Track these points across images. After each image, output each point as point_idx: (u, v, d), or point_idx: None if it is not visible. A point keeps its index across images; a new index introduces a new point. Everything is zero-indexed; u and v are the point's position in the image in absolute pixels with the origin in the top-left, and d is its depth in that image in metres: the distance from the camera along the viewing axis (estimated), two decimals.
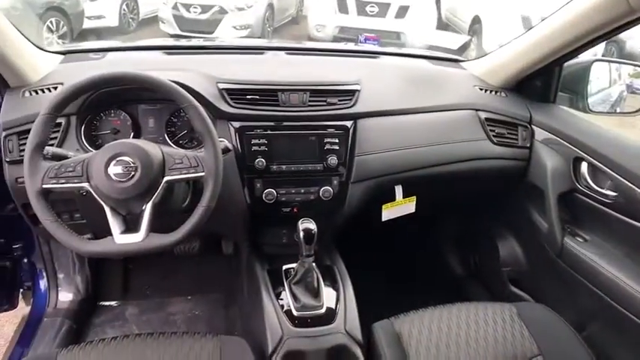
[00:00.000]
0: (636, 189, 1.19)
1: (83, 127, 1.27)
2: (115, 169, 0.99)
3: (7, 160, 1.20)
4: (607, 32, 1.19)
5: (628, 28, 1.15)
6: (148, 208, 1.02)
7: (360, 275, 1.41)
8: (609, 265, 1.27)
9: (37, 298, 1.63)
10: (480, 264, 1.91)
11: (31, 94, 1.27)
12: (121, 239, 1.01)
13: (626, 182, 1.22)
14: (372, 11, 6.43)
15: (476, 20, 6.95)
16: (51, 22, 5.65)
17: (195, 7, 6.72)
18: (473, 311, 1.26)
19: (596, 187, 1.33)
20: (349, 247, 1.51)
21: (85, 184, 1.00)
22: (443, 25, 8.14)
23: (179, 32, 6.68)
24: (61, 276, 1.64)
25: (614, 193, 1.27)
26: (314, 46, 2.02)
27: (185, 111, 1.08)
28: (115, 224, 1.02)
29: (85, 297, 1.69)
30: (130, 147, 1.02)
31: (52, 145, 1.17)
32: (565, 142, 1.41)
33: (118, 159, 1.00)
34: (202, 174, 1.04)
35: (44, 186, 0.99)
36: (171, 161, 1.04)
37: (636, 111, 1.50)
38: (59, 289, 1.65)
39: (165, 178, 1.03)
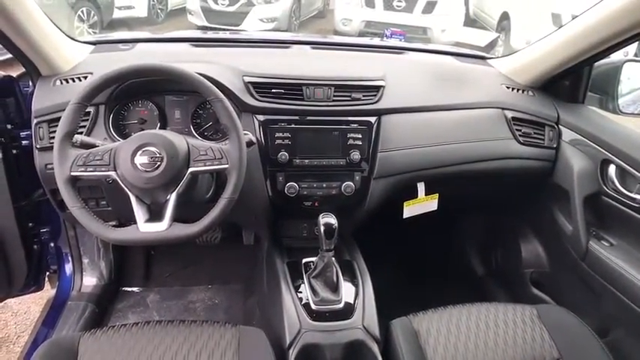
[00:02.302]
0: None
1: (111, 117, 1.29)
2: (141, 159, 1.01)
3: (38, 146, 1.23)
4: (638, 33, 1.16)
5: None
6: (172, 198, 1.04)
7: (380, 271, 1.41)
8: (636, 271, 1.24)
9: (63, 281, 1.68)
10: (502, 264, 1.89)
11: (61, 83, 1.30)
12: (144, 228, 1.03)
13: None
14: (399, 6, 6.37)
15: (504, 17, 6.83)
16: (82, 11, 5.77)
17: (222, 4, 6.76)
18: (492, 312, 1.25)
19: (625, 190, 1.30)
20: (370, 243, 1.51)
21: (112, 173, 1.03)
22: (470, 21, 8.02)
23: (206, 24, 6.74)
24: (85, 261, 1.69)
25: None
26: (339, 41, 2.01)
27: (211, 104, 1.09)
28: (139, 213, 1.04)
29: (109, 282, 1.74)
30: (157, 137, 1.04)
31: (80, 133, 1.20)
32: (593, 144, 1.38)
33: (144, 149, 1.02)
34: (226, 166, 1.06)
35: (72, 173, 1.01)
36: (196, 153, 1.06)
37: None
38: (84, 273, 1.70)
39: (190, 169, 1.05)
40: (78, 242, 1.66)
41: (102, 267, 1.72)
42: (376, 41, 2.24)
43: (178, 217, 1.05)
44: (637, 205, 1.26)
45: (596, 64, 1.47)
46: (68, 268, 1.69)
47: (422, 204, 1.49)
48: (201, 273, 1.88)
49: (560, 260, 1.56)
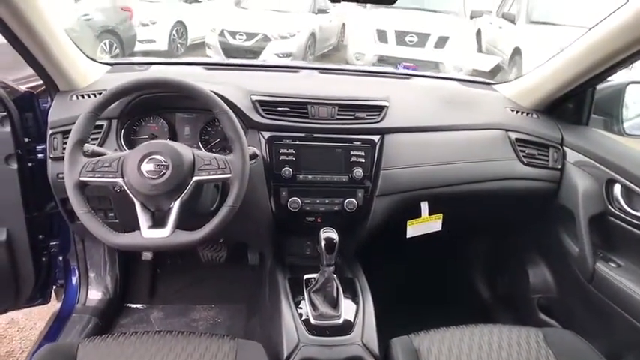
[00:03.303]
0: None
1: (123, 131, 1.34)
2: (147, 167, 1.05)
3: (51, 156, 1.28)
4: (637, 52, 1.18)
5: None
6: (175, 205, 1.06)
7: (382, 291, 1.40)
8: None
9: (69, 294, 1.69)
10: (509, 289, 1.86)
11: (78, 98, 1.36)
12: (148, 234, 1.05)
13: None
14: (412, 41, 6.49)
15: (516, 52, 6.90)
16: (105, 43, 6.02)
17: (240, 35, 6.98)
18: (496, 333, 1.22)
19: (631, 210, 1.29)
20: (373, 262, 1.51)
21: (119, 180, 1.06)
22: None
23: (224, 59, 6.95)
24: (92, 274, 1.71)
25: None
26: (347, 67, 2.07)
27: (217, 117, 1.13)
28: (143, 219, 1.06)
29: (113, 297, 1.75)
30: (163, 147, 1.08)
31: (93, 144, 1.24)
32: (597, 164, 1.38)
33: (150, 157, 1.06)
34: (229, 176, 1.08)
35: (81, 179, 1.05)
36: (201, 162, 1.09)
37: None
38: (89, 286, 1.72)
39: (194, 178, 1.08)
40: (85, 255, 1.69)
41: (107, 281, 1.73)
42: (383, 68, 2.29)
43: (182, 227, 1.07)
44: None
45: (600, 86, 1.48)
46: (75, 281, 1.71)
47: (426, 224, 1.49)
48: (205, 292, 1.88)
49: (567, 284, 1.54)
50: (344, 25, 9.29)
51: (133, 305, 1.83)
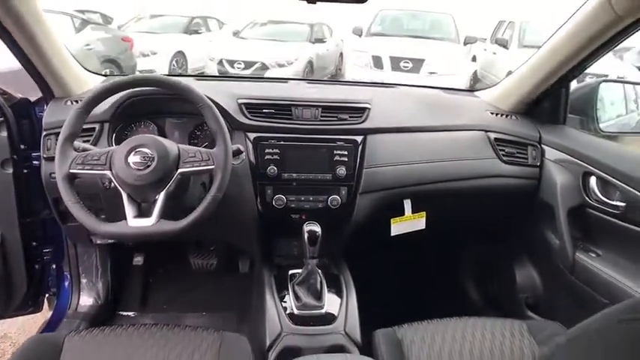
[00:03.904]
0: None
1: (114, 135, 1.39)
2: (134, 158, 1.09)
3: (45, 156, 1.33)
4: (601, 45, 1.24)
5: (621, 39, 1.19)
6: (161, 196, 1.11)
7: (369, 290, 1.42)
8: (624, 278, 1.23)
9: (60, 301, 1.71)
10: (497, 290, 1.86)
11: (72, 103, 1.43)
12: (133, 222, 1.09)
13: (635, 191, 1.21)
14: (406, 67, 6.64)
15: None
16: (105, 72, 6.16)
17: (239, 63, 7.17)
18: (480, 325, 1.24)
19: (606, 199, 1.32)
20: (360, 263, 1.53)
21: (108, 172, 1.11)
22: (476, 81, 8.28)
23: None
24: (84, 281, 1.73)
25: (623, 204, 1.26)
26: (334, 79, 2.14)
27: (201, 111, 1.18)
28: (129, 210, 1.11)
29: (105, 304, 1.76)
30: (149, 140, 1.13)
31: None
32: (574, 159, 1.42)
33: (137, 149, 1.11)
34: (212, 167, 1.13)
35: (71, 170, 1.10)
36: (185, 155, 1.14)
37: None
38: (81, 293, 1.73)
39: (179, 170, 1.12)
40: (78, 261, 1.71)
41: (99, 288, 1.75)
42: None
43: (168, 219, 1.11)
44: (619, 212, 1.27)
45: (575, 87, 1.54)
46: (67, 287, 1.73)
47: (409, 222, 1.52)
48: (196, 300, 1.89)
49: (551, 278, 1.55)
50: (342, 54, 9.52)
51: (125, 313, 1.84)
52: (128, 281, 1.91)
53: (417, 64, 6.61)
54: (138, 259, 1.91)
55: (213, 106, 1.18)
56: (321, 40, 8.56)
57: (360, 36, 7.85)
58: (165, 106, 1.41)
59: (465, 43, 7.80)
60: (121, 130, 1.41)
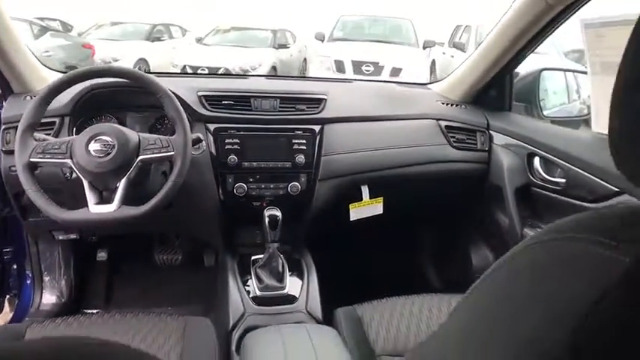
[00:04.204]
0: (582, 172, 1.27)
1: (75, 129, 1.40)
2: (94, 146, 1.11)
3: (3, 149, 1.33)
4: (536, 33, 1.34)
5: (553, 27, 1.29)
6: (122, 183, 1.13)
7: (331, 274, 1.46)
8: None
9: (22, 301, 1.68)
10: (454, 273, 1.94)
11: (31, 98, 1.42)
12: (95, 209, 1.11)
13: (574, 168, 1.30)
14: (368, 70, 6.77)
15: None
16: (66, 71, 6.02)
17: (202, 69, 7.13)
18: (436, 300, 1.30)
19: (549, 177, 1.42)
20: (322, 250, 1.58)
21: (68, 160, 1.12)
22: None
23: None
24: (46, 278, 1.71)
25: (563, 180, 1.35)
26: (293, 75, 2.19)
27: (160, 100, 1.21)
28: (91, 197, 1.12)
29: (68, 301, 1.74)
30: (109, 128, 1.15)
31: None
32: (519, 142, 1.52)
33: (97, 137, 1.13)
34: (172, 153, 1.16)
35: (31, 159, 1.10)
36: (146, 142, 1.16)
37: (587, 114, 1.61)
38: (44, 291, 1.71)
39: (140, 157, 1.15)
40: (40, 259, 1.69)
41: (62, 285, 1.73)
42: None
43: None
44: (560, 188, 1.37)
45: (519, 76, 1.64)
46: (29, 286, 1.70)
47: (367, 207, 1.58)
48: (161, 296, 1.89)
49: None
50: (305, 59, 9.62)
51: (89, 311, 1.83)
52: (92, 278, 1.89)
53: (378, 68, 6.75)
54: (102, 255, 1.90)
55: (173, 95, 1.21)
56: (284, 46, 8.64)
57: (322, 41, 7.97)
58: (125, 99, 1.43)
59: (424, 47, 8.03)
60: (81, 124, 1.42)
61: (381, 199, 1.59)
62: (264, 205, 1.45)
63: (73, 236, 1.59)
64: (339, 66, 6.87)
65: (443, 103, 1.72)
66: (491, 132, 1.63)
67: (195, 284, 1.93)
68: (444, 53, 8.91)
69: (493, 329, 0.49)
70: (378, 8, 9.02)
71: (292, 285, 1.32)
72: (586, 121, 1.55)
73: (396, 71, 6.74)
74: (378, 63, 6.75)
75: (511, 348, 0.45)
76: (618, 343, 0.40)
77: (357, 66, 6.76)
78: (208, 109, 1.44)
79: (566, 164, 1.33)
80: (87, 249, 1.86)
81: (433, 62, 9.13)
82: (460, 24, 9.10)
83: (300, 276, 1.38)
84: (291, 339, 0.94)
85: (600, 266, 0.39)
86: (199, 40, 8.66)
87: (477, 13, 8.97)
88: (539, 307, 0.43)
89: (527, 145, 1.48)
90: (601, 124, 1.31)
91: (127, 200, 1.13)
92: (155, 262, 1.98)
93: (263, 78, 1.88)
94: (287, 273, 1.35)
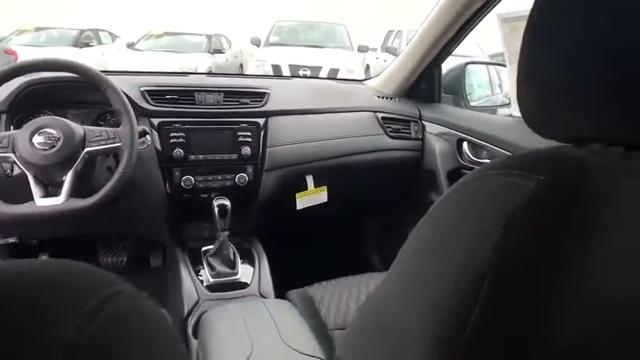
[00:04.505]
0: (504, 151, 1.40)
1: (12, 127, 1.36)
2: (38, 139, 1.10)
3: None
4: (460, 28, 1.47)
5: (476, 20, 1.43)
6: (68, 176, 1.12)
7: (282, 261, 1.51)
8: None
9: None
10: (396, 254, 2.05)
11: None
12: (41, 202, 1.09)
13: (497, 148, 1.44)
14: (305, 74, 6.88)
15: None
16: None
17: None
18: (380, 278, 1.38)
19: (476, 159, 1.55)
20: (272, 236, 1.62)
21: (11, 155, 1.10)
22: None
23: None
24: None
25: (489, 160, 1.49)
26: (234, 73, 2.22)
27: (104, 93, 1.21)
28: (36, 190, 1.11)
29: None
30: (53, 120, 1.14)
31: None
32: (449, 129, 1.65)
33: (41, 130, 1.11)
34: (119, 144, 1.17)
35: None
36: (91, 135, 1.16)
37: (507, 104, 1.77)
38: None
39: (86, 149, 1.15)
40: None
41: None
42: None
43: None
44: None
45: (447, 69, 1.78)
46: None
47: (312, 196, 1.65)
48: None
49: None
50: (241, 64, 9.60)
51: None
52: None
53: (315, 70, 6.88)
54: (43, 254, 1.84)
55: (117, 87, 1.21)
56: (219, 51, 8.57)
57: (258, 46, 8.00)
58: (65, 96, 1.41)
59: (359, 51, 8.27)
60: (19, 121, 1.38)
61: (325, 187, 1.66)
62: (212, 196, 1.47)
63: (12, 240, 1.54)
64: (277, 70, 6.92)
65: (378, 97, 1.83)
66: (423, 122, 1.76)
67: (141, 287, 1.89)
68: (377, 58, 9.21)
69: (432, 259, 0.57)
70: (312, 15, 9.18)
71: (244, 272, 1.36)
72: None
73: (333, 72, 6.89)
74: (315, 66, 6.87)
75: (448, 272, 0.54)
76: (532, 255, 0.49)
77: (295, 70, 6.84)
78: (151, 104, 1.45)
79: (491, 146, 1.47)
80: (27, 253, 1.79)
81: (367, 67, 9.42)
82: (392, 29, 9.47)
83: (252, 263, 1.42)
84: (249, 312, 0.98)
85: (512, 191, 0.48)
86: (131, 46, 8.42)
87: (408, 18, 9.38)
88: (467, 231, 0.52)
89: (456, 132, 1.61)
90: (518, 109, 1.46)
91: (74, 194, 1.12)
92: (99, 265, 1.94)
93: (204, 76, 1.90)
94: (239, 260, 1.38)
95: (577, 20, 0.51)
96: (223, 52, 8.74)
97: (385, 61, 8.54)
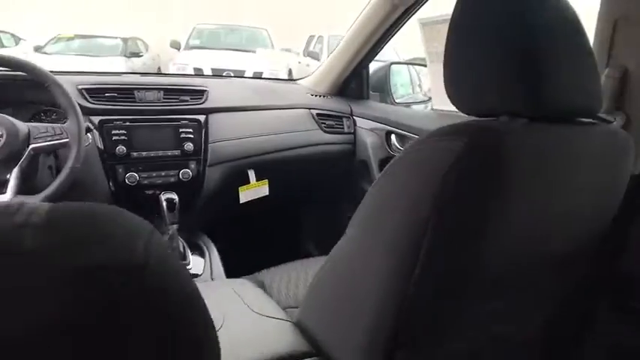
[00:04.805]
0: None
1: None
2: None
3: None
4: (385, 31, 1.62)
5: (399, 25, 1.58)
6: (14, 173, 1.11)
7: (230, 252, 1.57)
8: None
9: None
10: (334, 244, 2.17)
11: None
12: None
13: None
14: (229, 77, 6.86)
15: None
16: None
17: None
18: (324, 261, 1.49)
19: (403, 148, 1.71)
20: (219, 229, 1.67)
21: None
22: None
23: None
24: None
25: None
26: (168, 73, 2.24)
27: (49, 89, 1.20)
28: None
29: None
30: None
31: None
32: (378, 123, 1.79)
33: None
34: (67, 140, 1.17)
35: None
36: (36, 131, 1.16)
37: (428, 99, 1.96)
38: None
39: (31, 146, 1.14)
40: None
41: None
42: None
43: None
44: None
45: (374, 68, 1.93)
46: None
47: (255, 189, 1.72)
48: None
49: None
50: (159, 68, 9.33)
51: None
52: None
53: (240, 73, 6.88)
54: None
55: (62, 84, 1.21)
56: (136, 55, 8.30)
57: (178, 49, 7.86)
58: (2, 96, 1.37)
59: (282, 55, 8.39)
60: None
61: (266, 181, 1.74)
62: (157, 192, 1.50)
63: None
64: (199, 73, 6.84)
65: (312, 95, 1.94)
66: (354, 117, 1.90)
67: None
68: (299, 62, 9.38)
69: (386, 208, 0.70)
70: (234, 18, 9.16)
71: (195, 263, 1.41)
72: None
73: (258, 75, 6.93)
74: (238, 69, 6.87)
75: (399, 217, 0.66)
76: (463, 201, 0.63)
77: (218, 73, 6.79)
78: (91, 102, 1.45)
79: (416, 136, 1.63)
80: None
81: (290, 71, 9.56)
82: (313, 34, 9.68)
83: (202, 255, 1.46)
84: (212, 290, 1.04)
85: (444, 152, 0.62)
86: (38, 49, 7.90)
87: (328, 24, 9.64)
88: (413, 184, 0.65)
89: (385, 126, 1.77)
90: (439, 102, 1.63)
91: (20, 192, 1.11)
92: None
93: (138, 75, 1.90)
94: (189, 252, 1.42)
95: (487, 22, 0.67)
96: (140, 56, 8.47)
97: (308, 65, 8.73)
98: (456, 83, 0.71)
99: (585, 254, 0.84)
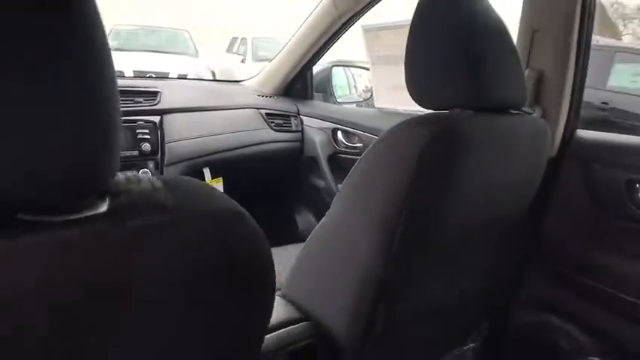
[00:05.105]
0: (371, 135, 1.72)
1: None
2: None
3: None
4: (330, 37, 1.76)
5: (343, 31, 1.73)
6: None
7: None
8: None
9: None
10: (286, 239, 2.28)
11: None
12: None
13: (365, 133, 1.75)
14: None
15: None
16: None
17: None
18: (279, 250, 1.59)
19: (349, 144, 1.86)
20: None
21: None
22: None
23: None
24: None
25: (361, 144, 1.80)
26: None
27: None
28: None
29: None
30: None
31: None
32: (324, 122, 1.93)
33: None
34: None
35: None
36: None
37: (362, 100, 2.13)
38: None
39: None
40: None
41: None
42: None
43: None
44: (358, 151, 1.81)
45: (317, 70, 2.06)
46: None
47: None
48: None
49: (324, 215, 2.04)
50: None
51: None
52: None
53: (164, 75, 6.71)
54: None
55: None
56: None
57: None
58: None
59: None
60: None
61: (220, 179, 1.80)
62: None
63: None
64: (120, 76, 6.59)
65: (259, 96, 2.03)
66: (301, 116, 2.01)
67: None
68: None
69: (368, 188, 0.83)
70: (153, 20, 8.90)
71: None
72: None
73: (182, 77, 6.81)
74: (162, 72, 6.70)
75: (380, 196, 0.80)
76: (434, 179, 0.77)
77: (141, 75, 6.60)
78: None
79: (361, 132, 1.79)
80: None
81: (213, 73, 9.45)
82: (236, 36, 9.65)
83: None
84: None
85: (417, 139, 0.76)
86: None
87: (251, 26, 9.68)
88: (391, 166, 0.79)
89: (331, 123, 1.90)
90: (380, 101, 1.80)
91: None
92: None
93: None
94: None
95: (442, 26, 0.82)
96: None
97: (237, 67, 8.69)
98: (416, 82, 0.86)
99: (517, 218, 1.03)
